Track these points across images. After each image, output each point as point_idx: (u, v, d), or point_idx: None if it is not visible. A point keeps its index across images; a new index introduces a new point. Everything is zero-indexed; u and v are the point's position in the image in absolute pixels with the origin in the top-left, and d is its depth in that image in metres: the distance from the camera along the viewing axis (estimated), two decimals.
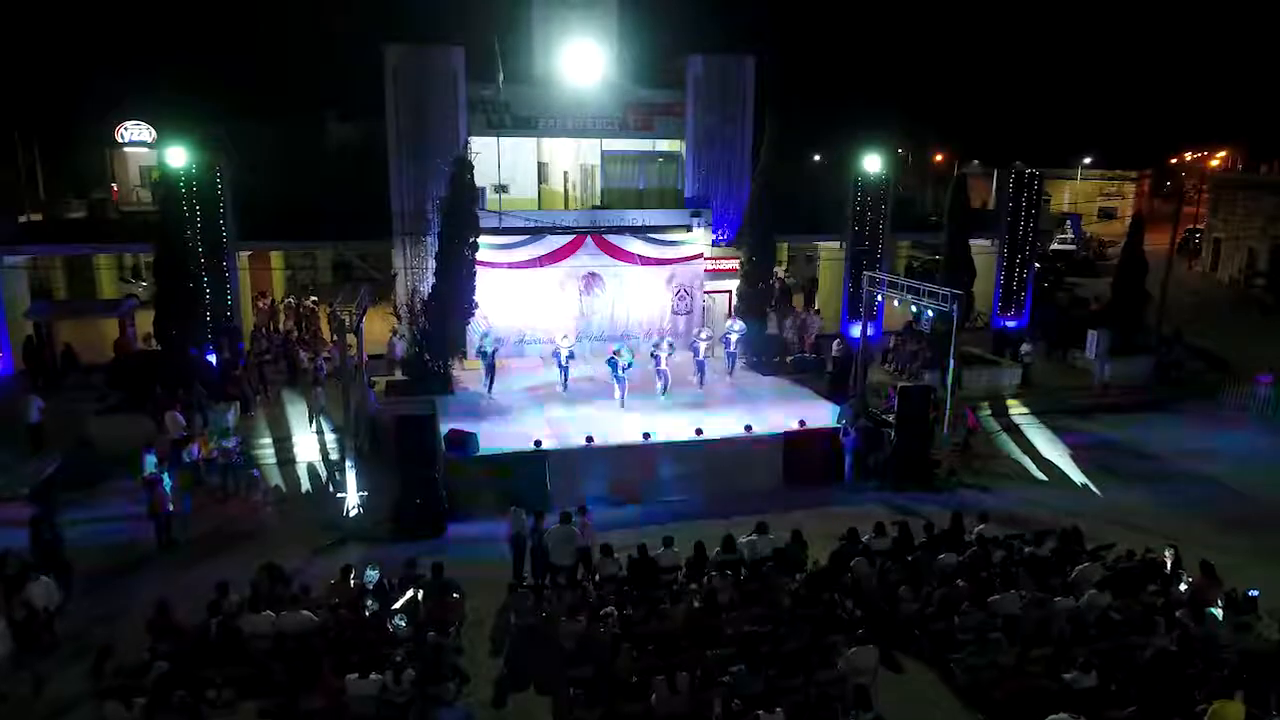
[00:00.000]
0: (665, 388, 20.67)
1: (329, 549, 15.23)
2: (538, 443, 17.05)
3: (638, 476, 17.30)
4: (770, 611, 11.89)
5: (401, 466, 15.83)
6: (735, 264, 25.13)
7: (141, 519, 15.55)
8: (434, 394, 19.88)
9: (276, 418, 21.25)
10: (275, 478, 18.53)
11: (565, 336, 21.59)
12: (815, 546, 14.37)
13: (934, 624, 11.89)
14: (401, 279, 23.46)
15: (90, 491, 17.36)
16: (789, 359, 24.20)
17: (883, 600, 12.39)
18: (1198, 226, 50.33)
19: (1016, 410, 23.39)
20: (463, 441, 16.73)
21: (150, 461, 15.77)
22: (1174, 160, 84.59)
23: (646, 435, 17.52)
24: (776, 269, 28.69)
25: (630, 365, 19.88)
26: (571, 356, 21.33)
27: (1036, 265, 31.18)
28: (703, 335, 21.76)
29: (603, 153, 25.60)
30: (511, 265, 22.99)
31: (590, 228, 23.68)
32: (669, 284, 24.33)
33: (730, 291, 25.34)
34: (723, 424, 18.65)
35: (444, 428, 17.14)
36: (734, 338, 22.32)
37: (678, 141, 25.75)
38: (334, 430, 19.93)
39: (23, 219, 29.39)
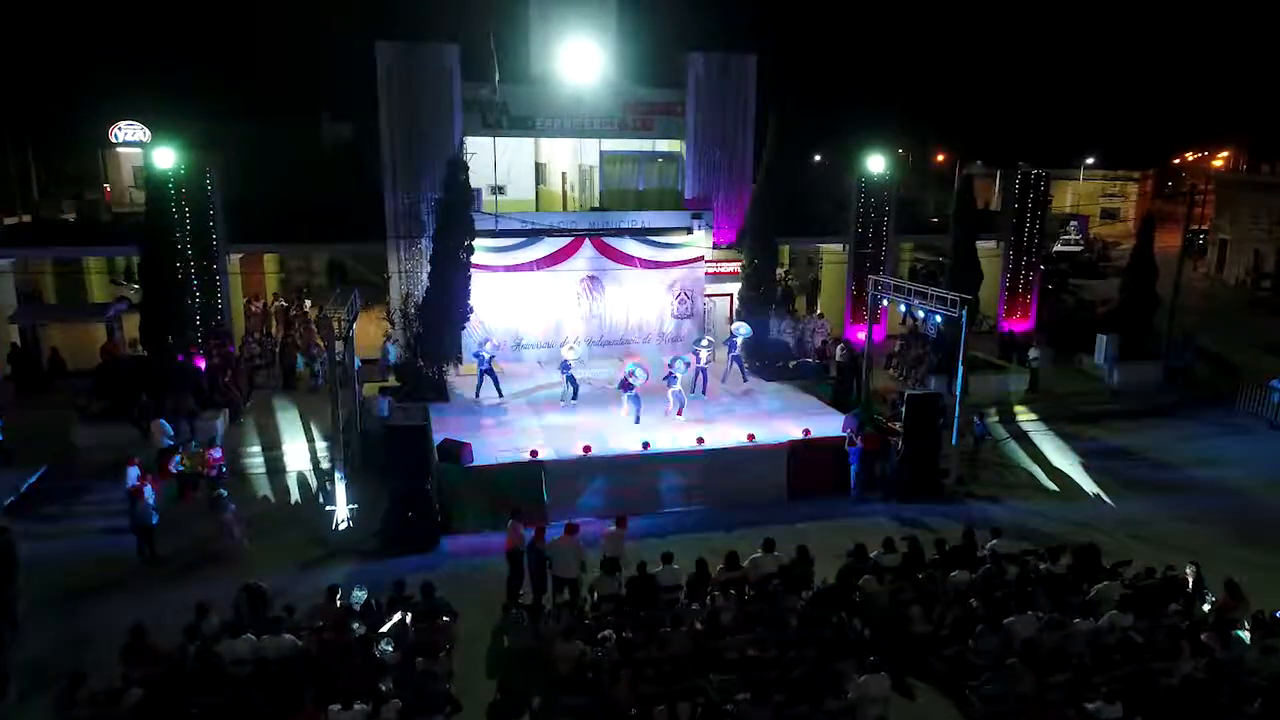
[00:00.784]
0: (681, 407, 19.21)
1: (316, 564, 14.69)
2: (534, 453, 16.52)
3: (637, 487, 16.77)
4: (776, 633, 11.36)
5: (393, 478, 15.29)
6: (737, 267, 24.60)
7: (124, 532, 15.02)
8: (428, 401, 19.37)
9: (266, 425, 20.70)
10: (263, 487, 18.03)
11: (571, 347, 20.73)
12: (822, 562, 13.85)
13: (948, 647, 11.37)
14: (395, 282, 22.93)
15: (73, 502, 16.88)
16: (791, 364, 23.67)
17: (893, 621, 11.87)
18: (1203, 227, 49.88)
19: (1024, 417, 22.88)
20: (456, 452, 16.19)
21: (133, 473, 15.21)
22: (1176, 160, 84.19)
23: (646, 445, 17.00)
24: (779, 271, 28.14)
25: (644, 380, 18.81)
26: (580, 361, 20.60)
27: (1042, 267, 30.64)
28: (704, 342, 21.11)
29: (601, 153, 25.07)
30: (508, 268, 22.45)
31: (589, 230, 23.16)
32: (669, 288, 23.80)
33: (731, 295, 24.82)
34: (725, 432, 18.12)
35: (437, 437, 16.62)
36: (739, 341, 21.75)
37: (678, 142, 25.22)
38: (325, 438, 19.40)
39: (11, 220, 28.94)
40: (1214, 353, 27.75)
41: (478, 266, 21.23)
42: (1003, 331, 28.10)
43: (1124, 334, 25.00)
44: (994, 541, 13.64)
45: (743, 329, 21.84)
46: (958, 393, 18.09)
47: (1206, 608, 12.12)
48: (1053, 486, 18.77)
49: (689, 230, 23.94)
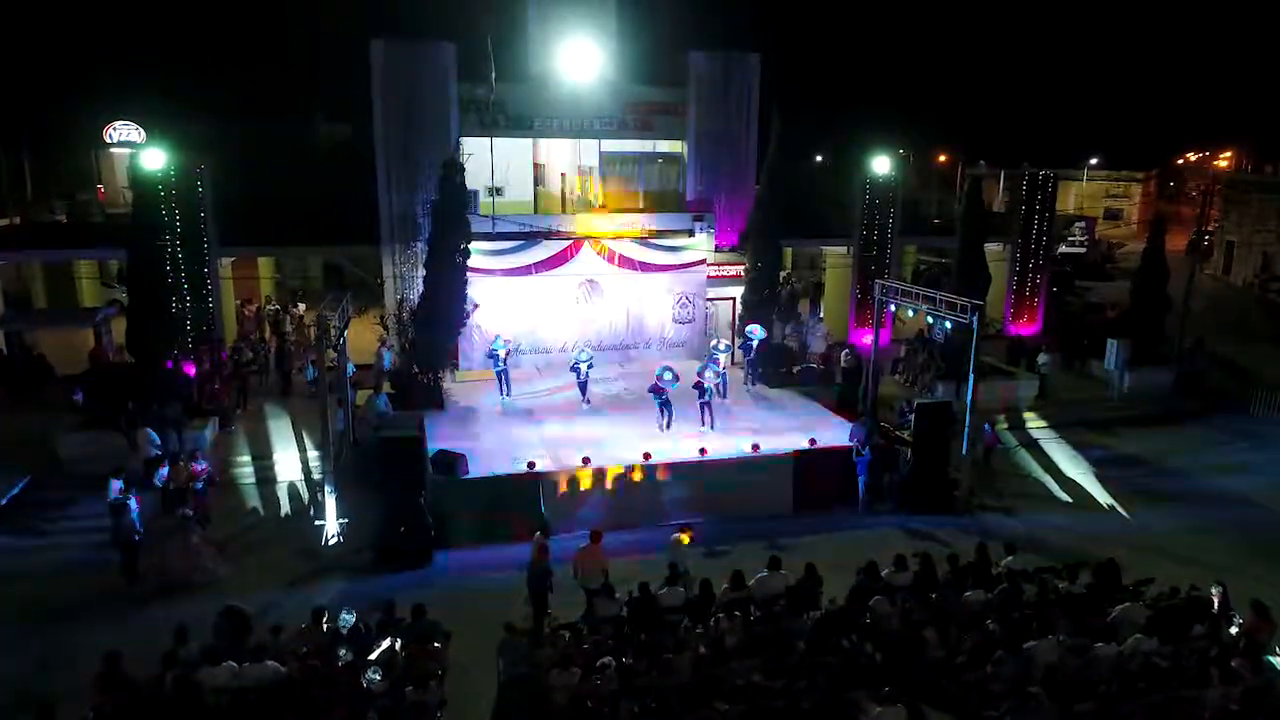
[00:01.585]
0: (712, 421, 18.44)
1: (306, 581, 14.16)
2: (531, 464, 15.99)
3: (638, 500, 16.24)
4: (783, 659, 10.82)
5: (385, 491, 14.76)
6: (740, 270, 24.07)
7: (107, 547, 14.50)
8: (422, 408, 18.87)
9: (257, 433, 20.17)
10: (252, 498, 17.50)
11: (581, 350, 20.23)
12: (830, 579, 13.35)
13: (965, 673, 10.83)
14: (390, 286, 22.40)
15: (56, 515, 16.35)
16: (795, 369, 23.14)
17: (906, 644, 11.32)
18: (1209, 228, 49.29)
19: (1034, 424, 22.36)
20: (451, 464, 15.66)
21: (115, 486, 14.67)
22: (1180, 161, 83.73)
23: (647, 456, 16.46)
24: (782, 274, 27.58)
25: (676, 385, 18.13)
26: (591, 367, 19.99)
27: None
28: (722, 345, 20.57)
29: (601, 154, 24.55)
30: (505, 272, 21.93)
31: (588, 233, 22.62)
32: (671, 291, 23.27)
33: (734, 299, 24.29)
34: (728, 441, 17.60)
35: (432, 447, 16.10)
36: (755, 343, 21.24)
37: (679, 142, 24.70)
38: (318, 447, 18.87)
39: (2, 222, 28.41)
40: (1225, 357, 27.20)
41: (474, 270, 20.72)
42: (1010, 336, 27.56)
43: (1134, 338, 24.46)
44: (1009, 559, 13.12)
45: (758, 331, 21.33)
46: (968, 401, 17.56)
47: (1234, 630, 11.58)
48: (1066, 497, 18.25)
49: (690, 233, 23.45)
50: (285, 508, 17.11)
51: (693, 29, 32.54)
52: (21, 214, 30.65)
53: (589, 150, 24.96)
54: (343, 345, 17.64)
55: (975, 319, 16.92)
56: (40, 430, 18.94)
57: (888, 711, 9.47)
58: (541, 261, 22.13)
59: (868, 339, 24.93)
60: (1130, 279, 27.49)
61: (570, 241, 22.29)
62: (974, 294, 20.83)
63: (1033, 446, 21.06)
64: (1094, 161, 69.98)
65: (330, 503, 15.24)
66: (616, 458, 16.66)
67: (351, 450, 17.95)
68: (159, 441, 17.47)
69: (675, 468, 16.55)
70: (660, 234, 23.25)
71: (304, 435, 19.71)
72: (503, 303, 21.91)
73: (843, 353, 22.80)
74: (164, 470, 16.31)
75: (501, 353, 20.16)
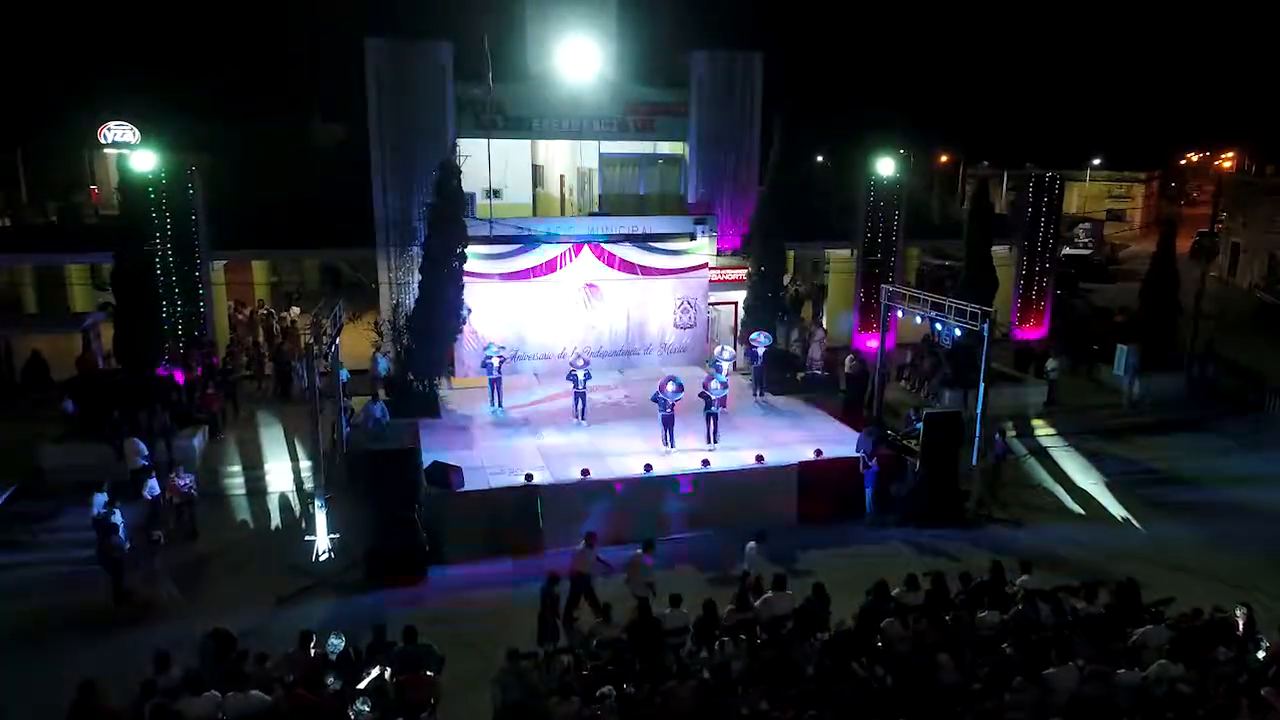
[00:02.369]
0: (716, 434, 17.72)
1: (295, 599, 13.68)
2: (529, 477, 15.51)
3: (639, 513, 15.75)
4: (791, 685, 10.35)
5: (378, 506, 14.28)
6: (742, 274, 23.60)
7: (91, 563, 13.99)
8: (417, 417, 18.38)
9: (249, 442, 19.66)
10: (242, 510, 17.02)
11: (579, 356, 19.58)
12: (837, 596, 12.90)
13: (981, 701, 10.35)
14: (385, 291, 21.93)
15: (39, 528, 15.87)
16: (799, 376, 22.67)
17: (919, 669, 10.85)
18: (1215, 230, 48.85)
19: (1043, 431, 21.90)
20: (446, 476, 15.18)
21: (99, 500, 14.20)
22: (1182, 161, 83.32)
23: (648, 468, 16.00)
24: (785, 278, 27.10)
25: (678, 398, 17.36)
26: (589, 377, 19.27)
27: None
28: (726, 354, 20.05)
29: (601, 155, 24.08)
30: (503, 276, 21.47)
31: (588, 236, 22.16)
32: (672, 296, 22.79)
33: (736, 304, 23.82)
34: (732, 452, 17.13)
35: (427, 457, 15.62)
36: (760, 350, 20.76)
37: (680, 144, 24.26)
38: (309, 457, 18.39)
39: None
40: (1238, 362, 26.71)
41: (471, 275, 20.26)
42: (1017, 340, 27.09)
43: (1145, 343, 23.99)
44: (1025, 578, 12.64)
45: (764, 338, 20.87)
46: (979, 409, 17.11)
47: (1261, 655, 11.11)
48: (1078, 509, 17.79)
49: (692, 236, 23.00)
50: (276, 520, 16.65)
51: (693, 28, 32.06)
52: (11, 215, 30.19)
53: (589, 152, 24.51)
54: (335, 352, 17.15)
55: (986, 326, 16.45)
56: (26, 438, 18.42)
57: None
58: (540, 266, 21.70)
59: (872, 344, 24.50)
60: (1133, 280, 27.03)
61: (569, 245, 21.81)
62: (982, 298, 20.44)
63: (1042, 455, 20.60)
64: (1096, 162, 69.48)
65: (321, 518, 14.75)
66: (617, 469, 16.20)
67: (344, 460, 17.45)
68: (147, 451, 16.98)
69: (678, 480, 16.07)
70: (661, 237, 22.77)
71: (296, 444, 19.22)
72: (501, 308, 21.46)
73: (847, 359, 22.33)
74: (153, 482, 15.88)
75: (495, 360, 19.67)
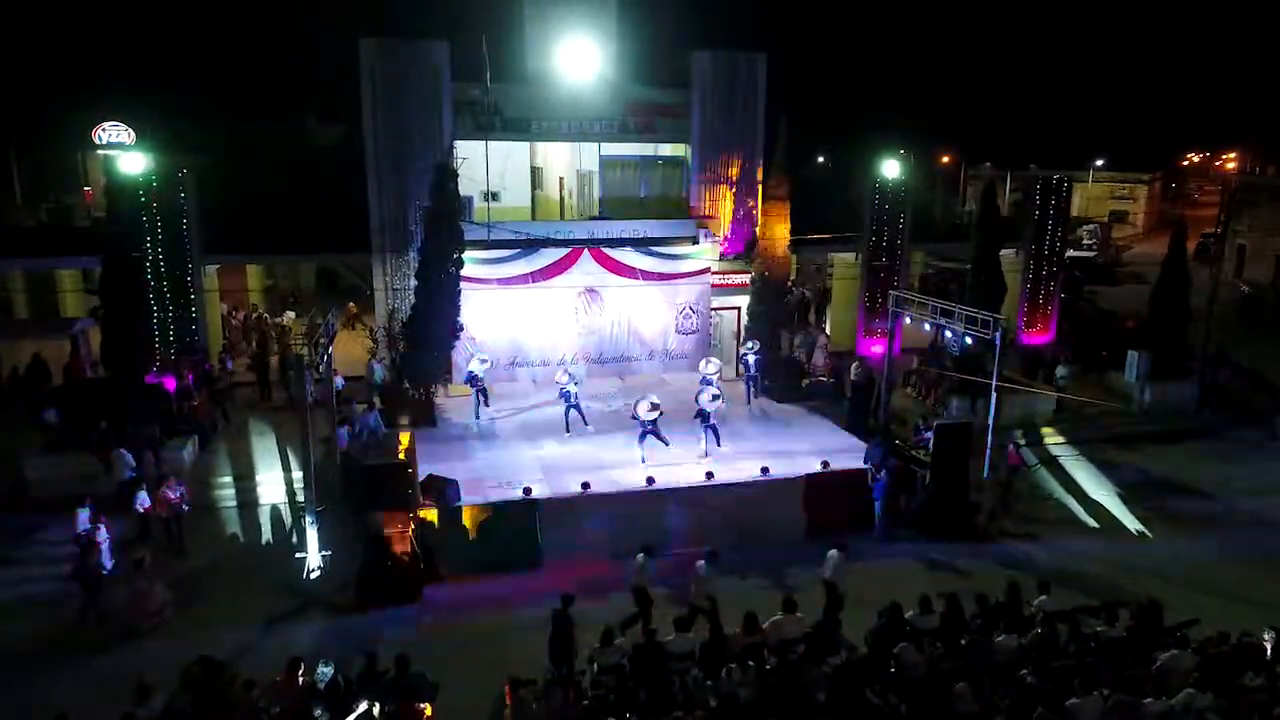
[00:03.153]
0: (718, 443, 17.65)
1: (285, 620, 13.20)
2: (527, 490, 15.03)
3: (641, 528, 15.25)
4: (802, 717, 9.87)
5: (370, 522, 13.78)
6: (745, 279, 23.11)
7: (70, 580, 13.49)
8: (413, 426, 17.93)
9: (240, 452, 19.14)
10: (232, 524, 16.53)
11: (564, 370, 19.27)
12: (847, 615, 12.48)
13: None
14: (381, 297, 21.44)
15: (20, 544, 15.35)
16: (805, 383, 22.19)
17: (935, 698, 10.37)
18: (1216, 231, 48.37)
19: (1053, 440, 21.41)
20: (441, 490, 14.70)
21: (83, 517, 13.72)
22: (1185, 162, 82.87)
23: (650, 481, 15.52)
24: (789, 282, 26.63)
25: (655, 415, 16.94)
26: (578, 383, 18.94)
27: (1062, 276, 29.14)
28: (711, 367, 19.54)
29: (601, 157, 23.58)
30: (501, 282, 20.97)
31: (587, 240, 21.68)
32: (674, 301, 22.30)
33: (739, 309, 23.34)
34: (736, 463, 16.66)
35: (422, 470, 15.15)
36: (752, 359, 20.30)
37: (682, 145, 23.74)
38: (301, 468, 17.89)
39: None
40: (1248, 367, 26.23)
41: (468, 280, 19.78)
42: (1025, 346, 26.58)
43: (1155, 349, 23.51)
44: (1043, 598, 12.16)
45: (754, 347, 20.43)
46: (990, 419, 16.64)
47: None
48: (1091, 521, 17.32)
49: (694, 240, 22.48)
50: (266, 535, 16.15)
51: (694, 28, 31.56)
52: (6, 218, 29.70)
53: (589, 153, 24.01)
54: (328, 359, 16.66)
55: (999, 334, 15.99)
56: (12, 447, 17.93)
57: None
58: (539, 270, 21.17)
59: (877, 349, 24.04)
60: (1138, 283, 26.50)
61: (569, 249, 21.33)
62: (990, 303, 19.97)
63: (1052, 464, 20.12)
64: (1099, 163, 69.01)
65: (312, 534, 14.26)
66: (618, 482, 15.73)
67: (338, 470, 16.96)
68: (134, 462, 16.49)
69: (680, 493, 15.61)
70: (663, 241, 22.28)
71: (289, 454, 18.71)
72: (498, 314, 20.95)
73: (853, 366, 21.85)
74: (143, 495, 15.37)
75: (479, 370, 19.17)
